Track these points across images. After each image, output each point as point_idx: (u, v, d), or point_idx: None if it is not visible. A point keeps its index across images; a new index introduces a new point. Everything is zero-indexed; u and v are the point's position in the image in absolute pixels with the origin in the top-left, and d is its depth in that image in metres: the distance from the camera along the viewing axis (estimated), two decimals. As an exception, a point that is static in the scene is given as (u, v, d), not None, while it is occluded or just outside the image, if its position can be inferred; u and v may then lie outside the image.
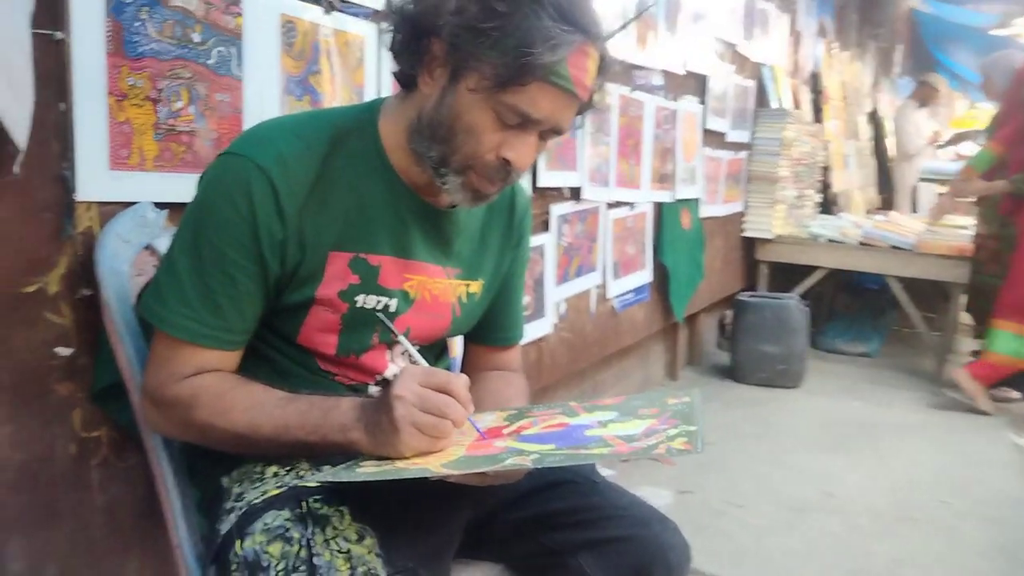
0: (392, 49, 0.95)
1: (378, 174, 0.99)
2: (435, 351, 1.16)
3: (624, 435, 0.85)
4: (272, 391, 0.93)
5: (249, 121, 1.35)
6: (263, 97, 1.37)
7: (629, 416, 0.93)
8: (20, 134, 0.95)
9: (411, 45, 0.92)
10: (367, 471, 0.86)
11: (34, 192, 1.08)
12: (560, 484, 1.07)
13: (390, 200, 1.00)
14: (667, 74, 3.02)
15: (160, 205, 1.21)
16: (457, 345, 1.38)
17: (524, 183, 2.16)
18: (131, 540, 1.26)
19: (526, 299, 2.25)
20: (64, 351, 1.14)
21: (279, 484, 0.95)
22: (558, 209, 2.38)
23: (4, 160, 1.00)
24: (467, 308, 1.11)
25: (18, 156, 0.98)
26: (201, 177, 0.97)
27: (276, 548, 0.87)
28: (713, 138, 3.58)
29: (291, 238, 0.93)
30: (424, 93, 0.94)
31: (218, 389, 0.92)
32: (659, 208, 3.14)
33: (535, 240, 2.27)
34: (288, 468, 0.97)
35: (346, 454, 0.91)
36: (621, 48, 2.59)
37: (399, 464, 0.86)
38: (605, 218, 2.68)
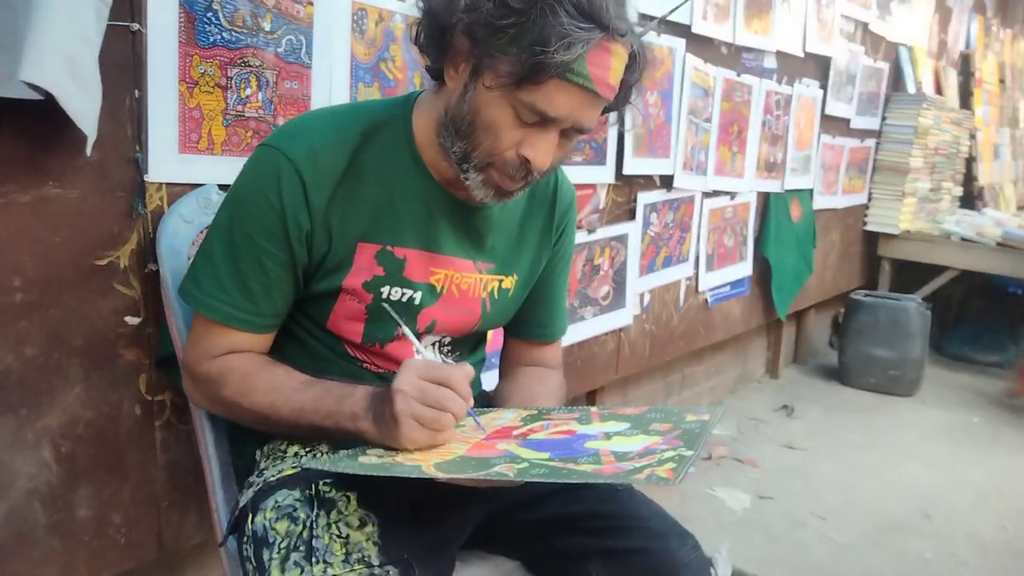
0: (416, 42, 0.95)
1: (408, 168, 1.00)
2: (470, 343, 1.16)
3: (620, 451, 0.82)
4: (294, 375, 0.97)
5: (317, 107, 1.39)
6: (332, 84, 1.41)
7: (637, 430, 0.90)
8: (87, 124, 1.03)
9: (435, 39, 0.92)
10: (368, 461, 0.88)
11: (109, 173, 1.17)
12: (580, 488, 1.06)
13: (419, 194, 1.00)
14: (782, 56, 2.86)
15: (225, 188, 1.27)
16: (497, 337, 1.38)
17: (608, 170, 2.13)
18: (190, 498, 1.36)
19: (604, 288, 2.22)
20: (132, 320, 1.23)
21: (295, 464, 0.99)
22: (646, 198, 2.31)
23: (79, 145, 1.08)
24: (499, 303, 1.11)
25: (88, 141, 1.06)
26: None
27: (282, 526, 0.91)
28: (834, 124, 3.36)
29: (318, 229, 0.96)
30: (450, 88, 0.94)
31: (244, 370, 0.97)
32: (765, 198, 2.99)
33: (618, 229, 2.23)
34: (308, 449, 1.02)
35: (356, 441, 0.93)
36: (725, 30, 2.48)
37: (397, 458, 0.87)
38: (700, 208, 2.58)
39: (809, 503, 2.44)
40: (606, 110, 0.96)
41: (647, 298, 2.44)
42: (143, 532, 1.31)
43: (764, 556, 2.13)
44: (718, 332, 2.91)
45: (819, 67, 3.14)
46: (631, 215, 2.28)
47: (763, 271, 3.08)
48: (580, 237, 2.10)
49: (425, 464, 0.85)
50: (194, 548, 1.42)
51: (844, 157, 3.51)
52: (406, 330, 0.99)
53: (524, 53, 0.84)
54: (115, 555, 1.28)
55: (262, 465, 1.04)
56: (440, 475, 0.81)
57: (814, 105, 3.16)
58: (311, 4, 1.36)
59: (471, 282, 1.07)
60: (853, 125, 3.51)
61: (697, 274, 2.67)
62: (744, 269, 2.95)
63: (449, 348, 1.12)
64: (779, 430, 3.02)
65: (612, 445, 0.85)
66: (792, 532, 2.28)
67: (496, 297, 1.10)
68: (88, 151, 1.07)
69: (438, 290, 1.04)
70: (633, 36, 0.89)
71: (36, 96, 0.99)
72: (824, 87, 3.19)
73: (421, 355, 0.99)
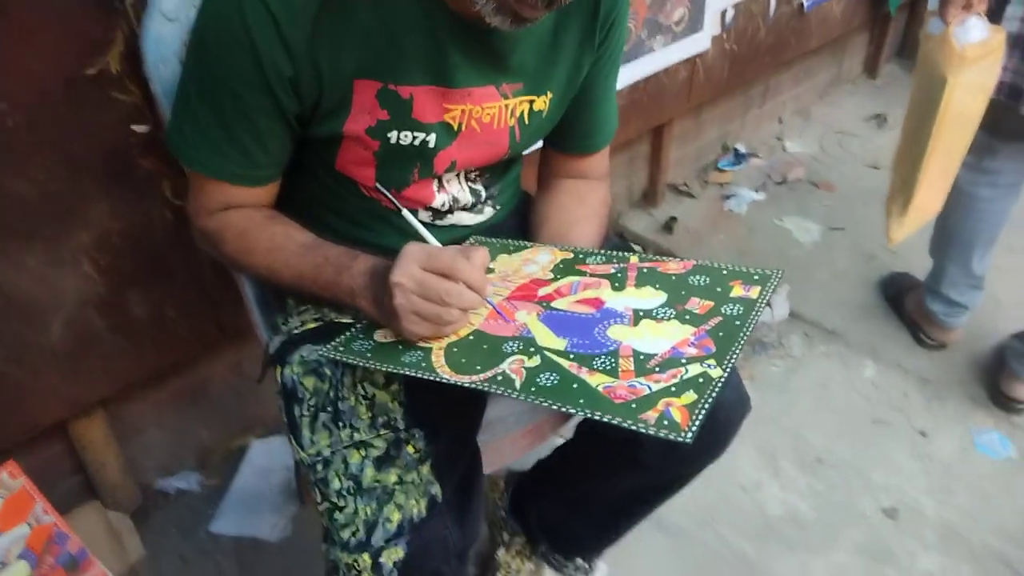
0: None
1: (406, -10, 0.79)
2: (502, 166, 1.03)
3: (643, 352, 0.75)
4: (293, 236, 0.89)
5: None
6: None
7: (670, 309, 0.81)
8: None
9: None
10: (384, 339, 0.85)
11: (72, -36, 1.00)
12: None
13: (422, 21, 0.81)
14: None
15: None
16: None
17: None
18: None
19: (679, 12, 1.92)
20: (140, 128, 1.14)
21: (317, 317, 0.97)
22: None
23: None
24: (531, 128, 0.96)
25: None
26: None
27: (310, 382, 0.91)
28: None
29: (304, 71, 0.80)
30: None
31: (242, 227, 0.89)
32: None
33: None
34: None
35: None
36: None
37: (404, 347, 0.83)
38: None
39: (881, 234, 2.32)
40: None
41: (730, 14, 2.11)
42: (201, 320, 1.37)
43: (825, 295, 2.11)
44: (812, 39, 2.55)
45: None
46: (717, -86, 1.88)
47: (878, -42, 2.59)
48: (652, -48, 1.76)
49: (436, 348, 0.80)
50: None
51: None
52: (407, 214, 0.87)
53: None
54: (178, 342, 1.36)
55: (291, 309, 1.02)
56: (447, 375, 0.76)
57: None
58: None
59: (494, 112, 0.91)
60: None
61: (794, -25, 2.26)
62: (854, -40, 2.48)
63: (477, 175, 1.00)
64: (865, 145, 2.80)
65: (636, 340, 0.77)
66: (858, 267, 2.22)
67: (527, 123, 0.95)
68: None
69: (455, 128, 0.89)
70: None
71: None
72: None
73: (427, 240, 0.87)
